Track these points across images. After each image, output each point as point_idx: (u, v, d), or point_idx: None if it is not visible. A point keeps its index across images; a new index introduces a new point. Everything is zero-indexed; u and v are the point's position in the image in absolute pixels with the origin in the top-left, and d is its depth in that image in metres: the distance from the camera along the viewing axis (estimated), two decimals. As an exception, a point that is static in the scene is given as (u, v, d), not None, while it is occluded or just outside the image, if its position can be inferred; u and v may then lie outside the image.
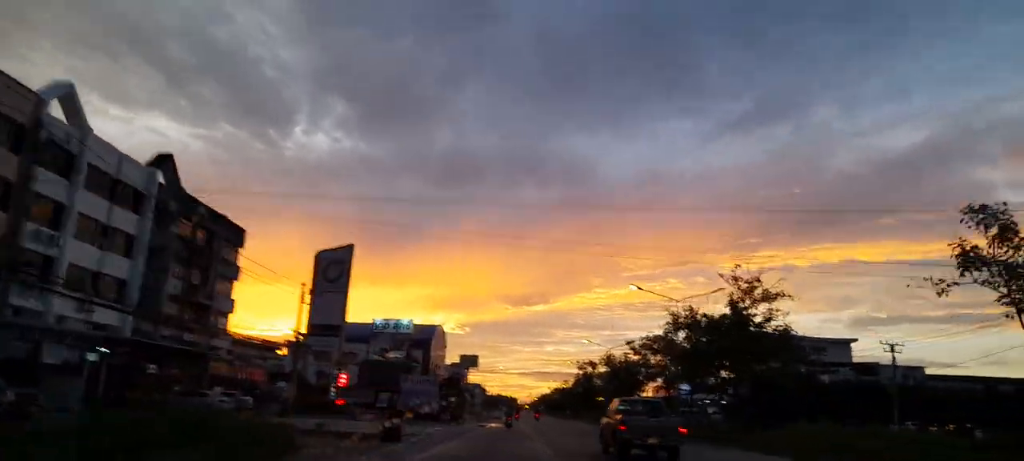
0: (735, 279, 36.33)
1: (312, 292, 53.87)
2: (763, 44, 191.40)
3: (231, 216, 58.26)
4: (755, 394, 44.20)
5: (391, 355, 66.14)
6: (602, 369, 69.00)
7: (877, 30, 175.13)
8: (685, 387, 52.62)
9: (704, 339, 38.05)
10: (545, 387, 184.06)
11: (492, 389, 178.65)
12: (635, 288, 73.44)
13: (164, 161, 53.33)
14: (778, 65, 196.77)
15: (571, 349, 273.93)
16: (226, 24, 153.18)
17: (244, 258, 56.75)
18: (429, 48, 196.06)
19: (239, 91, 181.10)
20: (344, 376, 56.00)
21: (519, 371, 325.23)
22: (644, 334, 54.75)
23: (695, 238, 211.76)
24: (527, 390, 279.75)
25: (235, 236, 60.94)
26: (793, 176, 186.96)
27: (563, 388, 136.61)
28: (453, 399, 59.81)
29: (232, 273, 60.00)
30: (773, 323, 35.22)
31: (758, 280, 35.70)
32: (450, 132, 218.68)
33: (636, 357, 55.98)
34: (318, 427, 25.02)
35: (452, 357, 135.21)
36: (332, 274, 55.53)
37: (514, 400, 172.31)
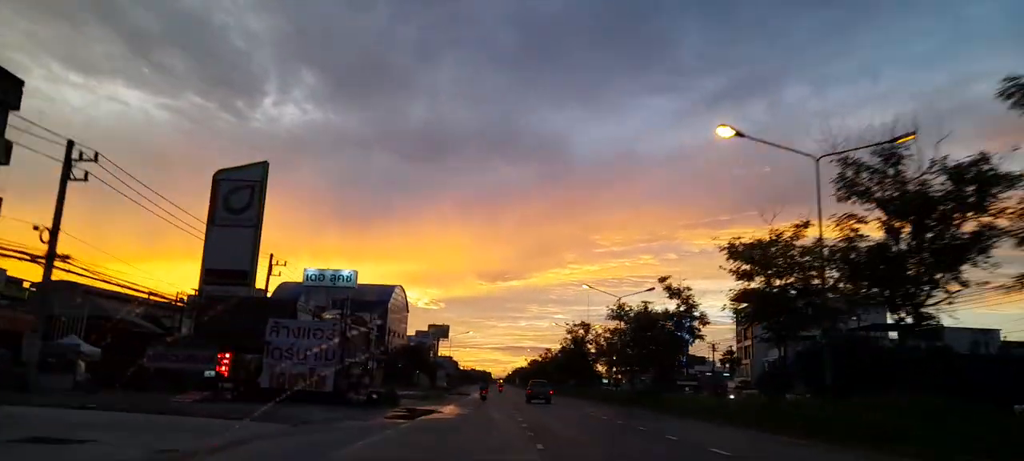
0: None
1: (208, 225, 41.22)
2: (737, 22, 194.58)
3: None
4: (836, 359, 34.18)
5: (327, 317, 53.31)
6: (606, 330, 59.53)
7: (849, 9, 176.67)
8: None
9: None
10: (520, 361, 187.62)
11: (467, 363, 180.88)
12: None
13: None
14: (752, 44, 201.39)
15: (545, 324, 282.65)
16: None
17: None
18: (403, 19, 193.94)
19: (206, 60, 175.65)
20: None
21: (493, 346, 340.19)
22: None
23: (668, 214, 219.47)
24: (501, 365, 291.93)
25: None
26: (765, 154, 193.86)
27: (539, 361, 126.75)
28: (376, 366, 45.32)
29: None
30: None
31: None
32: (424, 106, 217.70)
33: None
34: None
35: (419, 327, 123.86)
36: (237, 202, 43.09)
37: (488, 374, 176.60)
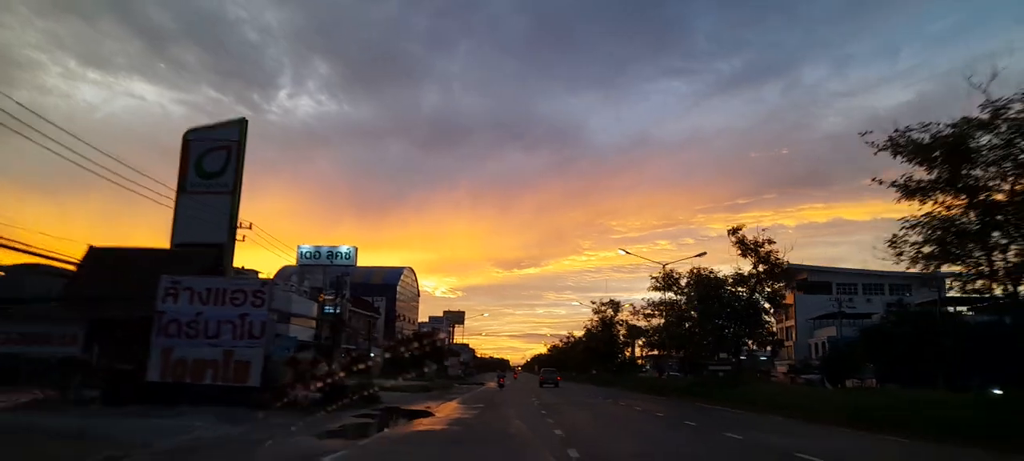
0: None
1: (178, 193, 36.28)
2: (753, 3, 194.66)
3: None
4: (912, 339, 28.31)
5: (328, 299, 48.01)
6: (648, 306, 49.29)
7: None
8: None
9: None
10: (538, 348, 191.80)
11: (486, 352, 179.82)
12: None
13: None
14: (768, 25, 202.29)
15: (562, 311, 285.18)
16: None
17: None
18: (415, 8, 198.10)
19: (221, 54, 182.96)
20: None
21: (511, 333, 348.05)
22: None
23: (684, 199, 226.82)
24: (519, 353, 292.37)
25: None
26: (782, 137, 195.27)
27: (560, 346, 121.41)
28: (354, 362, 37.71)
29: None
30: None
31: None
32: (438, 95, 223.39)
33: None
34: None
35: (435, 315, 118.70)
36: (211, 166, 37.98)
37: (507, 362, 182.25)
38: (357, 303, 64.13)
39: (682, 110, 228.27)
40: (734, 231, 35.62)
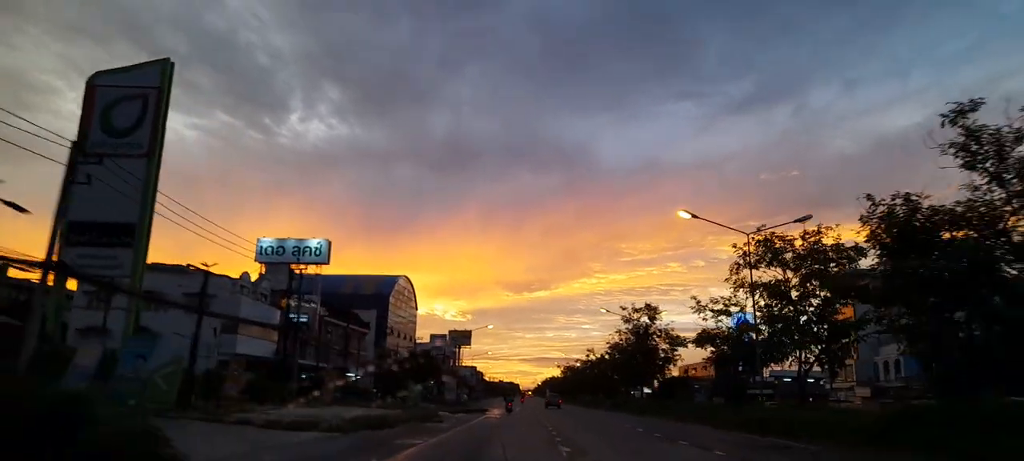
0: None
1: (73, 153, 27.62)
2: (763, 26, 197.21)
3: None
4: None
5: (296, 305, 38.66)
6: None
7: (877, 8, 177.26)
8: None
9: None
10: (547, 372, 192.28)
11: (495, 375, 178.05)
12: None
13: None
14: (778, 47, 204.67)
15: (572, 334, 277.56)
16: (218, 10, 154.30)
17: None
18: (425, 32, 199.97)
19: (233, 79, 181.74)
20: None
21: (520, 357, 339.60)
22: None
23: (695, 222, 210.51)
24: (529, 377, 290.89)
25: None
26: (792, 158, 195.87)
27: (577, 367, 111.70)
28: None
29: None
30: None
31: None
32: (448, 117, 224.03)
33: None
34: None
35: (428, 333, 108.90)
36: (123, 120, 29.84)
37: (516, 386, 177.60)
38: (342, 315, 54.73)
39: (692, 132, 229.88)
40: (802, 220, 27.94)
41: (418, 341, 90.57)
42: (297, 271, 36.04)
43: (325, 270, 63.65)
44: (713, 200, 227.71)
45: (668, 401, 48.44)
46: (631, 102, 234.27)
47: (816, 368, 53.75)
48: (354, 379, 56.91)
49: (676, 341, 50.88)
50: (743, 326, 41.59)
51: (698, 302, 37.35)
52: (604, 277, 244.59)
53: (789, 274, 28.89)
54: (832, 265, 27.55)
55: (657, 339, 52.66)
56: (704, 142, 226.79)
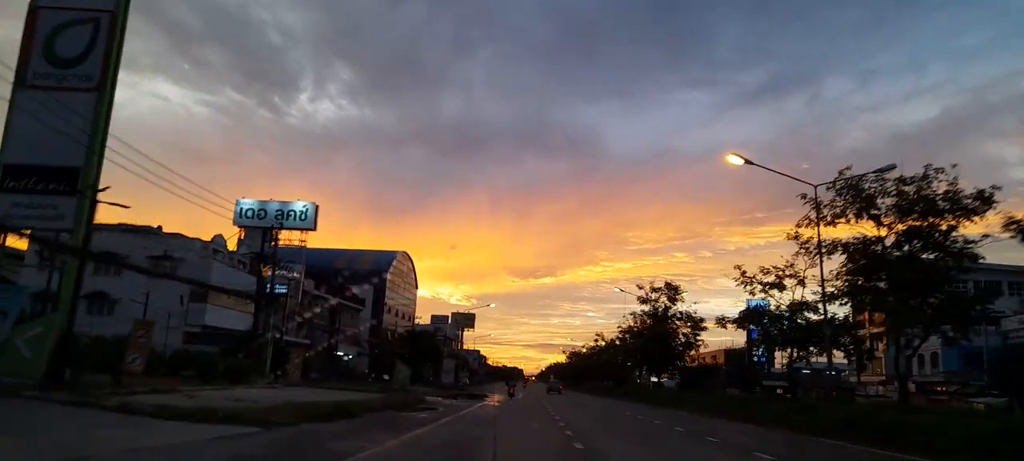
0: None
1: (14, 88, 23.97)
2: (777, 14, 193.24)
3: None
4: None
5: (280, 273, 34.80)
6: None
7: (894, 2, 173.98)
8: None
9: None
10: (551, 358, 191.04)
11: (499, 360, 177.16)
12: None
13: None
14: (792, 37, 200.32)
15: (577, 322, 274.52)
16: None
17: None
18: (438, 14, 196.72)
19: (243, 56, 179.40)
20: None
21: (524, 343, 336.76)
22: None
23: (703, 212, 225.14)
24: (533, 362, 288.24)
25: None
26: (804, 151, 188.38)
27: (582, 353, 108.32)
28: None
29: None
30: None
31: None
32: (458, 101, 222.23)
33: None
34: None
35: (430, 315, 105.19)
36: (68, 48, 26.02)
37: (520, 371, 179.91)
38: (332, 289, 50.86)
39: (703, 121, 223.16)
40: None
41: (419, 322, 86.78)
42: (275, 235, 32.28)
43: (321, 243, 59.94)
44: (722, 190, 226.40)
45: (690, 392, 44.26)
46: (641, 90, 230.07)
47: (838, 359, 49.06)
48: (346, 359, 53.14)
49: (698, 325, 46.86)
50: (739, 318, 36.84)
51: (743, 273, 32.44)
52: (610, 265, 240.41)
53: (883, 231, 22.54)
54: (947, 216, 21.15)
55: (678, 322, 48.45)
56: (714, 132, 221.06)
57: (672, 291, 48.24)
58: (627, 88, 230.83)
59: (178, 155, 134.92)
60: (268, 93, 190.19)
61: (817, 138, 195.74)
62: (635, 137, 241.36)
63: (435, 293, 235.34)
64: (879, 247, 23.00)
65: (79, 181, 23.72)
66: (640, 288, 50.43)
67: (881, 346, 57.67)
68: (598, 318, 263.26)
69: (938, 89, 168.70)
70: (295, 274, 38.21)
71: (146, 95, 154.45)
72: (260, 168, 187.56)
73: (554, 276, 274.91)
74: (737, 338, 78.11)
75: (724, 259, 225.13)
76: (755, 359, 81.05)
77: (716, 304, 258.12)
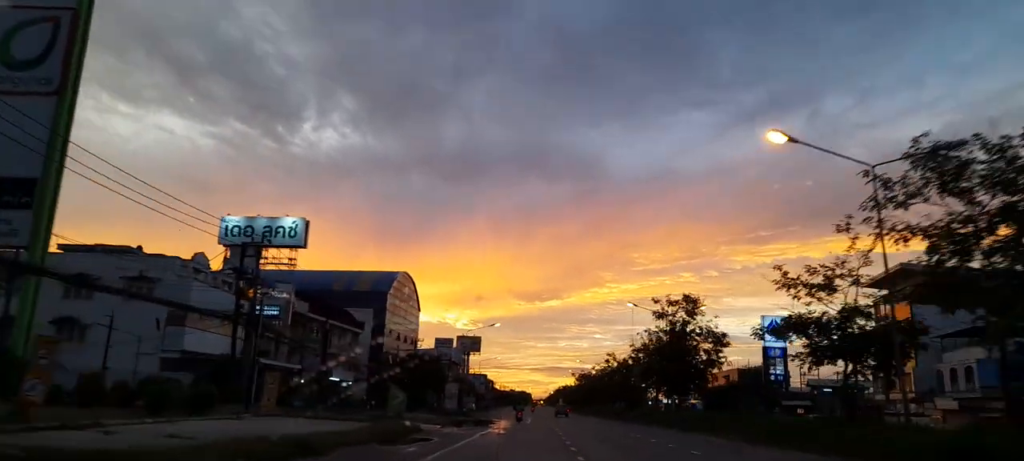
0: None
1: None
2: (776, 35, 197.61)
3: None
4: None
5: (266, 291, 32.54)
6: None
7: (892, 18, 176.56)
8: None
9: None
10: (559, 381, 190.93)
11: (506, 384, 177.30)
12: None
13: None
14: (791, 56, 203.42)
15: (584, 344, 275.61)
16: (233, 20, 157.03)
17: None
18: (438, 42, 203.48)
19: (248, 88, 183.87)
20: None
21: (532, 367, 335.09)
22: None
23: (707, 232, 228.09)
24: (541, 386, 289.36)
25: None
26: (806, 168, 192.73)
27: (593, 375, 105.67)
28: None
29: None
30: None
31: None
32: (460, 127, 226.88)
33: None
34: None
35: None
36: (26, 49, 24.05)
37: (528, 396, 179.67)
38: (325, 311, 48.19)
39: (704, 141, 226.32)
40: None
41: (422, 346, 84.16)
42: (263, 252, 30.13)
43: (319, 265, 57.48)
44: (726, 210, 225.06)
45: (719, 413, 40.54)
46: (643, 111, 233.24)
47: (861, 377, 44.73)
48: (345, 385, 50.62)
49: (721, 341, 44.07)
50: (773, 330, 33.66)
51: (785, 274, 28.49)
52: (616, 287, 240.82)
53: (975, 209, 18.23)
54: None
55: (697, 338, 45.57)
56: (716, 151, 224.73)
57: (691, 304, 45.65)
58: (628, 110, 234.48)
59: (184, 186, 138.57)
60: (272, 123, 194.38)
61: (818, 154, 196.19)
62: (637, 158, 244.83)
63: (441, 318, 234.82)
64: (972, 228, 18.39)
65: (34, 194, 21.75)
66: (656, 302, 47.71)
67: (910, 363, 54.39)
68: (606, 340, 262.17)
69: (937, 104, 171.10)
70: (284, 294, 36.13)
71: (151, 128, 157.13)
72: (264, 197, 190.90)
73: (560, 298, 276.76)
74: (751, 357, 75.25)
75: (730, 278, 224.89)
76: (772, 377, 78.15)
77: (724, 325, 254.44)
